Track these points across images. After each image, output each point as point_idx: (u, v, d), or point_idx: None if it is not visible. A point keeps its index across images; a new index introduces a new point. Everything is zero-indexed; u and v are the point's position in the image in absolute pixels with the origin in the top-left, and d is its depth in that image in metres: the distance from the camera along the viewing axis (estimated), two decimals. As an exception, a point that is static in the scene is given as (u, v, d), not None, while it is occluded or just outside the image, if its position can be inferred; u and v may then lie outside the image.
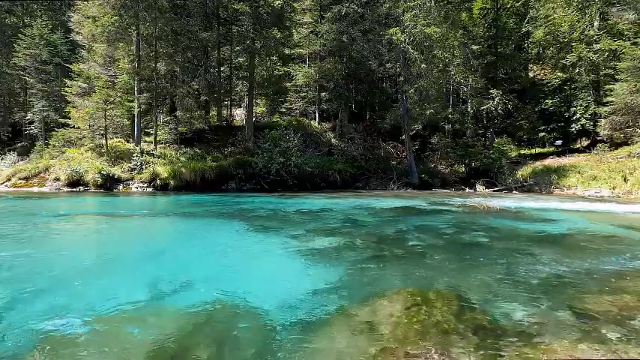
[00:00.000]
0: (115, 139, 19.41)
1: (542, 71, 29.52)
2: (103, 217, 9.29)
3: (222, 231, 7.29)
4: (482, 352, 2.48)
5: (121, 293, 3.62)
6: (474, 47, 22.09)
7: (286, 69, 24.75)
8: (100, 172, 15.93)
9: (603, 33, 21.01)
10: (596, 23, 22.36)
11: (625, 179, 15.65)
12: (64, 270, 4.48)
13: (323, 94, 24.51)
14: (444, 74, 21.31)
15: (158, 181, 16.23)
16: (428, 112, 21.47)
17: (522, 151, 25.50)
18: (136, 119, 18.52)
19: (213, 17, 21.83)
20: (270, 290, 3.83)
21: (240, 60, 23.43)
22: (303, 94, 25.45)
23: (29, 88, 26.76)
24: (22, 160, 21.80)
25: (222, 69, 23.57)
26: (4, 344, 2.56)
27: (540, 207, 11.40)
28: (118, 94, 18.23)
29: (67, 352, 2.47)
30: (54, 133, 21.43)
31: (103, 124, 18.04)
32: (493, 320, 2.96)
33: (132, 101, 18.40)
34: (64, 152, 18.43)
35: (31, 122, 25.64)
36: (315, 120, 25.02)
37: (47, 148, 21.32)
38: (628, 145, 19.23)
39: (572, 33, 22.31)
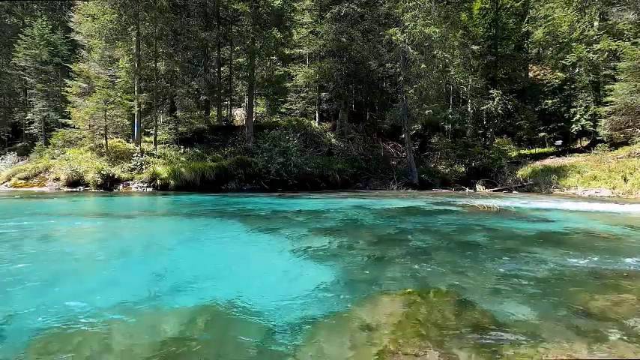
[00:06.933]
0: (115, 139, 19.40)
1: (542, 71, 29.54)
2: (101, 217, 9.28)
3: (222, 231, 7.29)
4: (482, 351, 2.48)
5: (119, 293, 3.62)
6: (474, 47, 22.08)
7: (286, 69, 24.74)
8: (100, 172, 15.93)
9: (603, 33, 21.00)
10: (596, 23, 22.37)
11: (625, 179, 15.65)
12: (62, 269, 4.48)
13: (323, 94, 24.51)
14: (443, 74, 21.30)
15: (158, 181, 16.22)
16: (427, 112, 21.47)
17: (522, 151, 25.53)
18: (136, 119, 18.52)
19: (213, 17, 21.84)
20: (269, 290, 3.82)
21: (240, 60, 23.43)
22: (303, 94, 25.45)
23: (29, 88, 26.78)
24: (22, 160, 21.80)
25: (222, 69, 23.57)
26: (2, 343, 2.56)
27: (540, 207, 11.40)
28: (118, 94, 18.22)
29: (65, 352, 2.47)
30: (54, 133, 21.44)
31: (103, 124, 18.03)
32: (493, 320, 2.96)
33: (132, 101, 18.40)
34: (64, 152, 18.43)
35: (31, 122, 25.66)
36: (315, 120, 25.02)
37: (47, 148, 21.33)
38: (628, 145, 19.24)
39: (572, 33, 22.33)
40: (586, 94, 22.48)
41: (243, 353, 2.51)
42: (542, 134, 25.12)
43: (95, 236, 7.08)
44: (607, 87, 20.43)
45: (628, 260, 4.85)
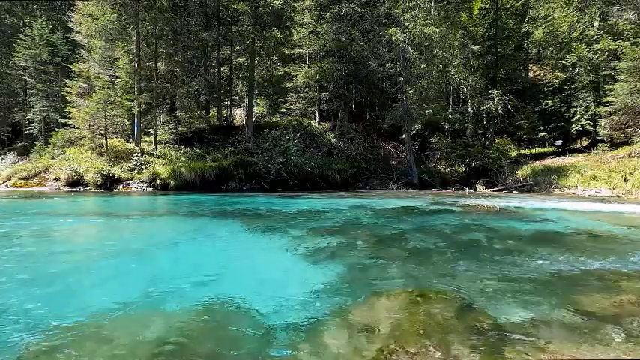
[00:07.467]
0: (115, 139, 19.40)
1: (542, 71, 29.53)
2: (101, 217, 9.28)
3: (222, 231, 7.29)
4: (482, 351, 2.48)
5: (119, 293, 3.62)
6: (474, 47, 22.07)
7: (286, 69, 24.74)
8: (100, 172, 15.92)
9: (603, 33, 21.00)
10: (596, 23, 22.37)
11: (625, 179, 15.65)
12: (62, 269, 4.48)
13: (323, 94, 24.51)
14: (443, 74, 21.28)
15: (158, 181, 16.22)
16: (427, 112, 21.47)
17: (522, 151, 25.52)
18: (136, 119, 18.51)
19: (213, 17, 21.84)
20: (269, 290, 3.82)
21: (240, 60, 23.43)
22: (303, 94, 25.45)
23: (29, 88, 26.78)
24: (22, 160, 21.80)
25: (222, 69, 23.57)
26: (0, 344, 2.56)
27: (540, 207, 11.39)
28: (118, 94, 18.22)
29: (61, 352, 2.47)
30: (54, 133, 21.44)
31: (103, 124, 18.03)
32: (493, 320, 2.96)
33: (132, 101, 18.40)
34: (64, 152, 18.43)
35: (31, 122, 25.67)
36: (315, 120, 25.02)
37: (47, 148, 21.33)
38: (628, 145, 19.23)
39: (572, 33, 22.32)
40: (586, 94, 22.47)
41: (243, 353, 2.51)
42: (542, 134, 25.11)
43: (94, 236, 7.08)
44: (607, 87, 20.42)
45: (628, 260, 4.85)
